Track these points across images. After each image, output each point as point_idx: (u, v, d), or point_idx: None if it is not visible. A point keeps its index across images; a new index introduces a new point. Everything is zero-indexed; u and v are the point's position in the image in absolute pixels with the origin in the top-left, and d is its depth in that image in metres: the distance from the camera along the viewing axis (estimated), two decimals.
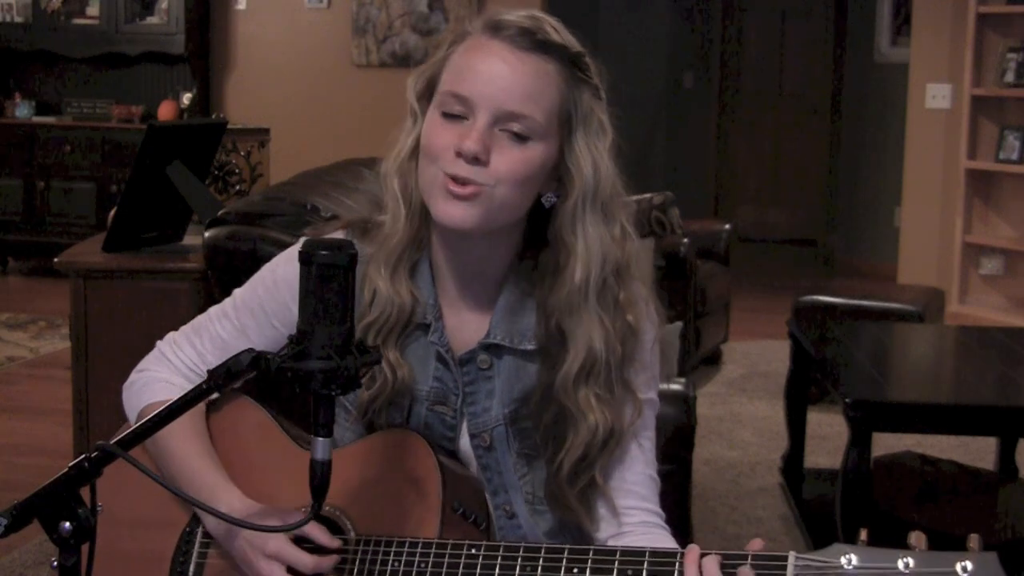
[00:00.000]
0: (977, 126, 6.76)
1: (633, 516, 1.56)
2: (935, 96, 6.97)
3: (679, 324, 3.80)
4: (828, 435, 4.77)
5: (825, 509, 3.67)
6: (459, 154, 1.45)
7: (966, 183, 6.75)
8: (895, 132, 7.61)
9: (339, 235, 1.57)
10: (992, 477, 4.09)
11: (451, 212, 1.47)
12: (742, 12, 10.16)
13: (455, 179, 1.46)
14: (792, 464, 4.20)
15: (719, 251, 5.92)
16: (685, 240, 5.21)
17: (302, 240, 1.61)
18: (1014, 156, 6.62)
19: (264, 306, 1.63)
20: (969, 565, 1.19)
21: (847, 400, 3.30)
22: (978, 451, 4.53)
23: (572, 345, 1.51)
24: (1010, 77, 6.63)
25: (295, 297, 1.59)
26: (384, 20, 7.76)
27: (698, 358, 5.63)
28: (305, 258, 1.31)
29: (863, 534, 1.26)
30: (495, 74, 1.47)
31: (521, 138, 1.47)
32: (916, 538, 1.22)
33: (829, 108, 9.46)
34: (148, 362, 1.70)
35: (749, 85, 10.22)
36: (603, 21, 10.19)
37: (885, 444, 4.14)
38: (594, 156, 1.51)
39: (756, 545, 1.32)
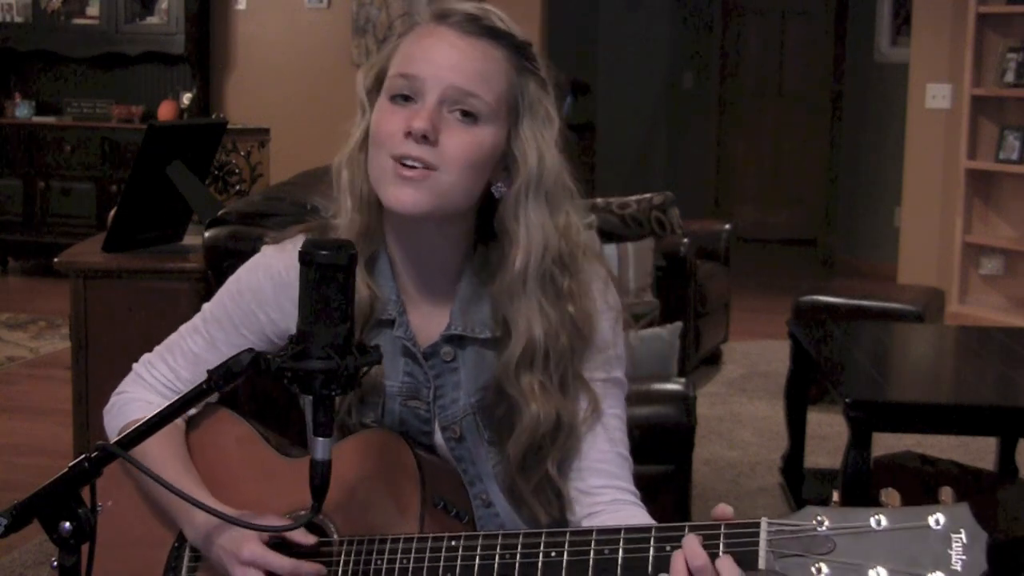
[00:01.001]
0: (977, 126, 6.76)
1: (604, 495, 1.56)
2: (935, 96, 6.97)
3: (679, 324, 3.79)
4: (828, 435, 4.77)
5: None
6: (408, 134, 1.46)
7: (966, 183, 6.75)
8: (895, 132, 7.61)
9: (300, 238, 1.57)
10: (992, 477, 4.09)
11: (401, 197, 1.47)
12: (742, 12, 10.16)
13: (404, 161, 1.46)
14: (792, 464, 4.20)
15: (719, 251, 5.92)
16: (685, 240, 5.21)
17: (264, 249, 1.63)
18: (1014, 156, 6.62)
19: (231, 316, 1.63)
20: (941, 518, 1.19)
21: (847, 400, 3.30)
22: (978, 451, 4.53)
23: (514, 332, 1.52)
24: (1010, 77, 6.63)
25: (260, 304, 1.60)
26: (384, 20, 7.76)
27: (698, 358, 5.63)
28: (305, 258, 1.31)
29: (835, 496, 1.27)
30: (444, 54, 1.48)
31: (471, 117, 1.48)
32: (889, 495, 1.23)
33: (829, 108, 9.46)
34: (125, 384, 1.72)
35: (749, 85, 10.22)
36: (603, 21, 10.18)
37: (885, 444, 4.14)
38: (539, 144, 1.52)
39: (722, 511, 1.31)
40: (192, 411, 1.65)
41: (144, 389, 1.69)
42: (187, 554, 1.58)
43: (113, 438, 1.65)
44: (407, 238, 1.56)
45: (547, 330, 1.52)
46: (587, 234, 1.59)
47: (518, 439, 1.53)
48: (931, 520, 1.20)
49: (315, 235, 1.58)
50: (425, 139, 1.45)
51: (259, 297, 1.61)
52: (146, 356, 1.72)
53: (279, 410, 1.84)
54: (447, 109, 1.47)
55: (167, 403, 1.37)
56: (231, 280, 1.66)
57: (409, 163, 1.46)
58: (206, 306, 1.68)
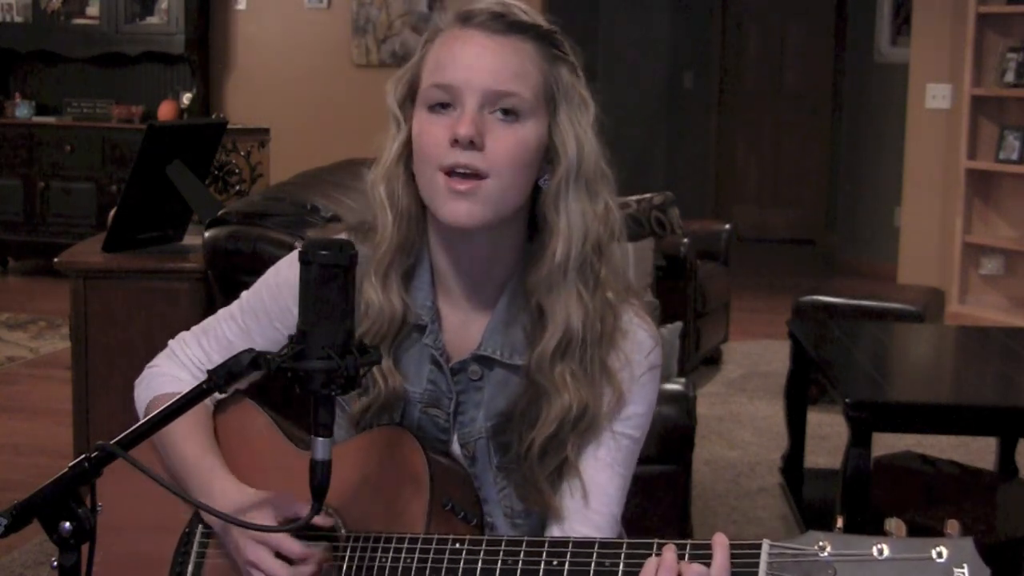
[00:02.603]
0: (977, 126, 6.76)
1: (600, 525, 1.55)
2: (935, 96, 6.97)
3: (679, 324, 3.80)
4: (828, 435, 4.77)
5: (825, 509, 3.67)
6: (455, 142, 1.45)
7: (966, 183, 6.75)
8: (895, 132, 7.61)
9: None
10: (992, 477, 4.09)
11: (457, 211, 1.46)
12: (742, 12, 10.16)
13: (454, 171, 1.45)
14: (792, 464, 4.20)
15: (719, 251, 5.91)
16: (685, 240, 5.21)
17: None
18: (1014, 156, 6.62)
19: (267, 308, 1.64)
20: (944, 551, 1.19)
21: (847, 400, 3.30)
22: (978, 451, 4.53)
23: (550, 322, 1.51)
24: (1010, 77, 6.63)
25: (296, 299, 1.60)
26: (384, 20, 7.76)
27: (698, 358, 5.63)
28: (305, 258, 1.32)
29: (839, 521, 1.27)
30: (476, 57, 1.47)
31: (512, 116, 1.47)
32: (894, 525, 1.23)
33: (829, 108, 9.46)
34: (159, 359, 1.73)
35: (749, 85, 10.22)
36: (603, 21, 10.19)
37: (885, 444, 4.14)
38: (577, 132, 1.52)
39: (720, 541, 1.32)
40: (220, 395, 1.65)
41: (176, 366, 1.70)
42: (197, 538, 1.60)
43: (142, 409, 1.69)
44: (456, 248, 1.55)
45: (584, 319, 1.51)
46: (620, 216, 1.58)
47: (542, 429, 1.52)
48: (934, 552, 1.19)
49: (358, 235, 1.58)
50: (472, 144, 1.44)
51: (295, 292, 1.61)
52: (182, 334, 1.73)
53: (295, 402, 1.84)
54: (488, 111, 1.47)
55: (195, 381, 1.38)
56: (270, 272, 1.66)
57: (460, 171, 1.45)
58: (244, 294, 1.68)
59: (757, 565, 1.26)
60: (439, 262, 1.57)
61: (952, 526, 1.21)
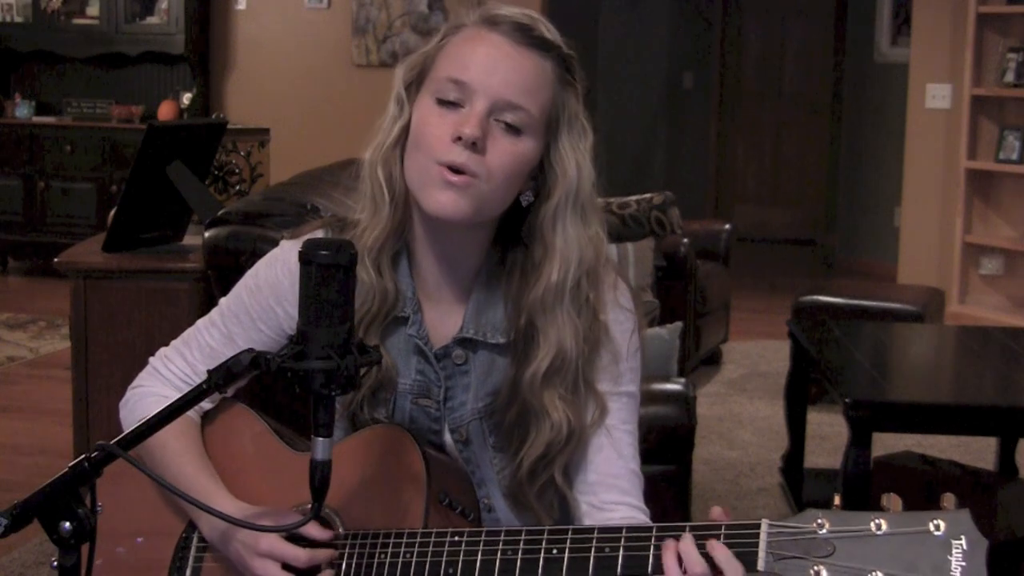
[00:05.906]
0: (977, 126, 6.76)
1: (616, 511, 1.56)
2: (935, 96, 6.97)
3: (679, 324, 3.79)
4: (828, 435, 4.77)
5: (825, 509, 3.65)
6: (458, 139, 1.46)
7: (966, 183, 6.75)
8: (895, 132, 7.62)
9: (319, 233, 1.58)
10: (992, 477, 4.09)
11: (443, 201, 1.47)
12: (742, 12, 10.16)
13: (451, 168, 1.46)
14: (792, 464, 4.20)
15: (719, 251, 5.91)
16: (685, 240, 5.21)
17: (282, 243, 1.64)
18: (1014, 156, 6.62)
19: (249, 310, 1.63)
20: (942, 524, 1.20)
21: (847, 400, 3.30)
22: (978, 451, 4.53)
23: (544, 343, 1.53)
24: (1010, 77, 6.63)
25: (278, 299, 1.60)
26: (384, 20, 7.76)
27: (698, 358, 5.63)
28: (305, 258, 1.32)
29: (837, 499, 1.28)
30: (495, 63, 1.48)
31: (514, 130, 1.49)
32: (891, 500, 1.24)
33: (829, 108, 9.46)
34: (141, 378, 1.71)
35: (749, 85, 10.22)
36: (603, 21, 10.18)
37: (885, 444, 4.14)
38: (577, 157, 1.54)
39: (715, 513, 1.33)
40: (208, 405, 1.65)
41: (160, 383, 1.68)
42: (195, 544, 1.59)
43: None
44: (434, 239, 1.57)
45: (576, 342, 1.53)
46: (607, 245, 1.61)
47: (533, 448, 1.54)
48: (931, 526, 1.20)
49: (334, 230, 1.59)
50: (474, 146, 1.46)
51: (277, 291, 1.61)
52: (162, 350, 1.71)
53: (291, 402, 1.84)
54: (494, 118, 1.48)
55: None
56: (248, 274, 1.66)
57: (456, 169, 1.46)
58: (223, 300, 1.67)
59: (757, 545, 1.27)
60: (418, 251, 1.59)
61: (948, 499, 1.22)
